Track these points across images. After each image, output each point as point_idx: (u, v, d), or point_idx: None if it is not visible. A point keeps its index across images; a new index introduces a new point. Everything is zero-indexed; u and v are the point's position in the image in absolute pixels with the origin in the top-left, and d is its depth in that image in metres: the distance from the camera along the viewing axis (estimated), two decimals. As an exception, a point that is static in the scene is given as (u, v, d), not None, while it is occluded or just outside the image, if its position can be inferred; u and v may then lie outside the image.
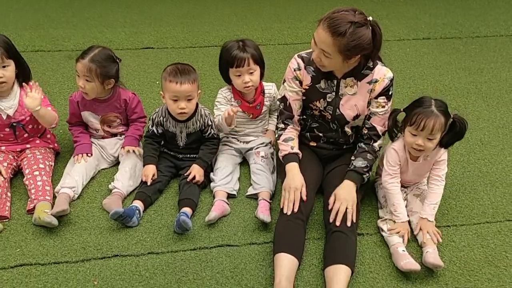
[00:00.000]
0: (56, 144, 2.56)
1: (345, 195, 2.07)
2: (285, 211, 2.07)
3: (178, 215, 2.14)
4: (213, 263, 2.03)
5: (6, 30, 3.76)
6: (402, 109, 2.14)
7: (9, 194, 2.27)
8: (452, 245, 2.15)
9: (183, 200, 2.26)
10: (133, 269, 1.99)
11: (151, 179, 2.32)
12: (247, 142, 2.56)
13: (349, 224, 2.02)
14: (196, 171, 2.34)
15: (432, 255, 2.01)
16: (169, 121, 2.39)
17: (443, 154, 2.19)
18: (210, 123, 2.42)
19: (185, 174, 2.36)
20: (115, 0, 4.64)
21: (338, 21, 1.87)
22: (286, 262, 1.93)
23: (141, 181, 2.39)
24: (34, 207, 2.18)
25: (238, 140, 2.56)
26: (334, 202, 2.07)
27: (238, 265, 2.03)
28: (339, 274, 1.89)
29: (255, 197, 2.37)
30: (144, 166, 2.38)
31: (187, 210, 2.20)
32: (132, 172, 2.40)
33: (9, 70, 2.24)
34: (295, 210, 2.06)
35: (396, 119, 2.17)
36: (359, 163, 2.18)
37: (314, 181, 2.26)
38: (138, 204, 2.23)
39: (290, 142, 2.24)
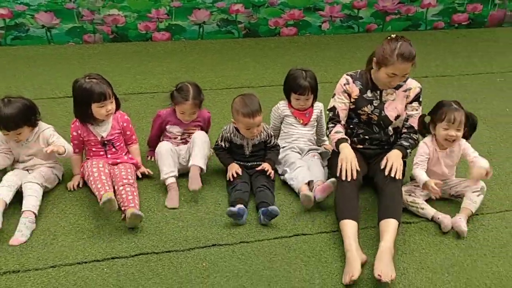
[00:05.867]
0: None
1: (394, 158, 2.65)
2: (343, 178, 2.58)
3: (261, 210, 2.61)
4: (294, 247, 2.48)
5: (199, 72, 4.69)
6: (427, 114, 2.79)
7: None
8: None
9: (261, 202, 2.70)
10: (231, 253, 2.42)
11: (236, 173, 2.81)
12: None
13: (398, 176, 2.59)
14: (266, 166, 2.87)
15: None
16: (237, 136, 2.90)
17: (465, 144, 2.78)
18: (272, 133, 2.95)
19: (257, 170, 2.86)
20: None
21: (409, 50, 2.54)
22: (350, 226, 2.43)
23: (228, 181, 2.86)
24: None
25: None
26: (386, 164, 2.64)
27: (314, 248, 2.48)
28: (389, 225, 2.42)
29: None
30: (227, 166, 2.87)
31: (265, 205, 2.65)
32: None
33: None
34: (354, 177, 2.58)
35: (424, 121, 2.80)
36: (404, 142, 2.77)
37: (361, 169, 2.71)
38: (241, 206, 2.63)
39: (340, 134, 2.80)
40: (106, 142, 2.86)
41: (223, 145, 2.93)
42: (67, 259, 2.32)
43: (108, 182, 2.66)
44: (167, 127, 3.01)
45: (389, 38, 2.62)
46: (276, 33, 5.89)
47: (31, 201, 2.55)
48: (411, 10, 6.17)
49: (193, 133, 2.98)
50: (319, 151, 3.11)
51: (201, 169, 2.80)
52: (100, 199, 2.52)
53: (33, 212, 2.52)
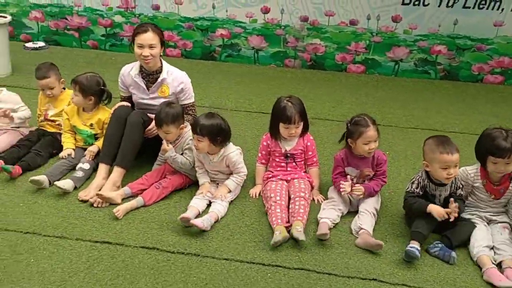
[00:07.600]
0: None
1: None
2: None
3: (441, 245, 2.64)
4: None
5: (388, 108, 4.72)
6: None
7: None
8: None
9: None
10: (390, 294, 2.38)
11: None
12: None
13: None
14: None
15: None
16: (430, 184, 2.75)
17: None
18: (462, 184, 2.76)
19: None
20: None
21: None
22: None
23: None
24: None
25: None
26: None
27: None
28: None
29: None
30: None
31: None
32: None
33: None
34: None
35: None
36: None
37: None
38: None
39: None
40: (288, 155, 3.10)
41: (419, 192, 2.75)
42: (239, 256, 2.57)
43: (283, 214, 2.80)
44: (346, 169, 2.99)
45: None
46: (478, 79, 5.53)
47: (219, 208, 2.88)
48: None
49: (368, 175, 2.95)
50: None
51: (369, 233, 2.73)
52: (273, 230, 2.70)
53: (217, 216, 2.84)
